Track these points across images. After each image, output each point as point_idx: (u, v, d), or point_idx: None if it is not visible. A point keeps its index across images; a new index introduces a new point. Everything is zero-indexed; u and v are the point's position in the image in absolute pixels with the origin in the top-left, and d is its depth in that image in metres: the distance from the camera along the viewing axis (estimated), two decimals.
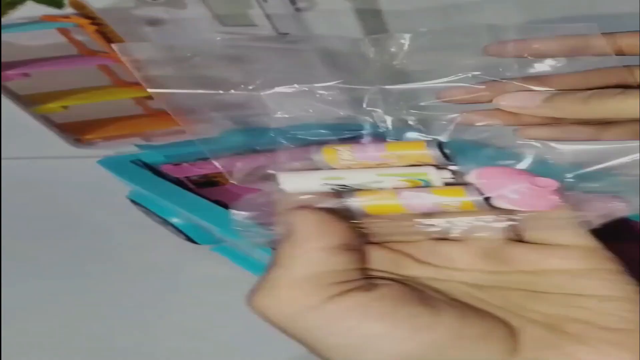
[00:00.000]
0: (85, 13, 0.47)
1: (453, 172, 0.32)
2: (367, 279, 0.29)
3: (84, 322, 0.51)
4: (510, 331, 0.28)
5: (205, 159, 0.58)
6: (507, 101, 0.32)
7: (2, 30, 0.50)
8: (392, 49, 0.35)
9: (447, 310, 0.28)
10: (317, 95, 0.37)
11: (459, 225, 0.31)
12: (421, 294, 0.29)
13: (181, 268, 0.54)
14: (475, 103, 0.33)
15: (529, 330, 0.28)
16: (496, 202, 0.31)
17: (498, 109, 0.33)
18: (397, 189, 0.31)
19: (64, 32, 0.50)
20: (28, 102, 0.57)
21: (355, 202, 0.32)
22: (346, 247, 0.29)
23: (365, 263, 0.30)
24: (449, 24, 0.51)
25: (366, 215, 0.32)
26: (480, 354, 0.27)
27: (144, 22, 0.51)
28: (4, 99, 0.56)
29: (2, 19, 0.48)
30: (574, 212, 0.30)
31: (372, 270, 0.30)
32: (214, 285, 0.50)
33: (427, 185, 0.31)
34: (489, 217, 0.31)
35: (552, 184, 0.30)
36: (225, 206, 0.50)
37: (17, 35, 0.52)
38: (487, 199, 0.31)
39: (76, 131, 0.60)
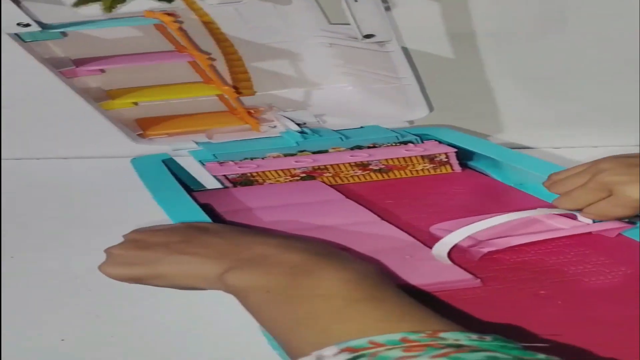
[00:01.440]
0: (193, 8, 0.51)
1: None
2: None
3: (86, 322, 0.49)
4: None
5: (252, 158, 0.60)
6: None
7: (96, 25, 0.52)
8: None
9: None
10: None
11: None
12: None
13: None
14: None
15: None
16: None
17: None
18: None
19: (160, 28, 0.52)
20: (101, 97, 0.57)
21: None
22: None
23: None
24: None
25: None
26: None
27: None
28: (77, 96, 0.56)
29: (107, 13, 0.51)
30: None
31: None
32: None
33: None
34: None
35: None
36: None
37: (101, 30, 0.53)
38: None
39: (142, 127, 0.60)
